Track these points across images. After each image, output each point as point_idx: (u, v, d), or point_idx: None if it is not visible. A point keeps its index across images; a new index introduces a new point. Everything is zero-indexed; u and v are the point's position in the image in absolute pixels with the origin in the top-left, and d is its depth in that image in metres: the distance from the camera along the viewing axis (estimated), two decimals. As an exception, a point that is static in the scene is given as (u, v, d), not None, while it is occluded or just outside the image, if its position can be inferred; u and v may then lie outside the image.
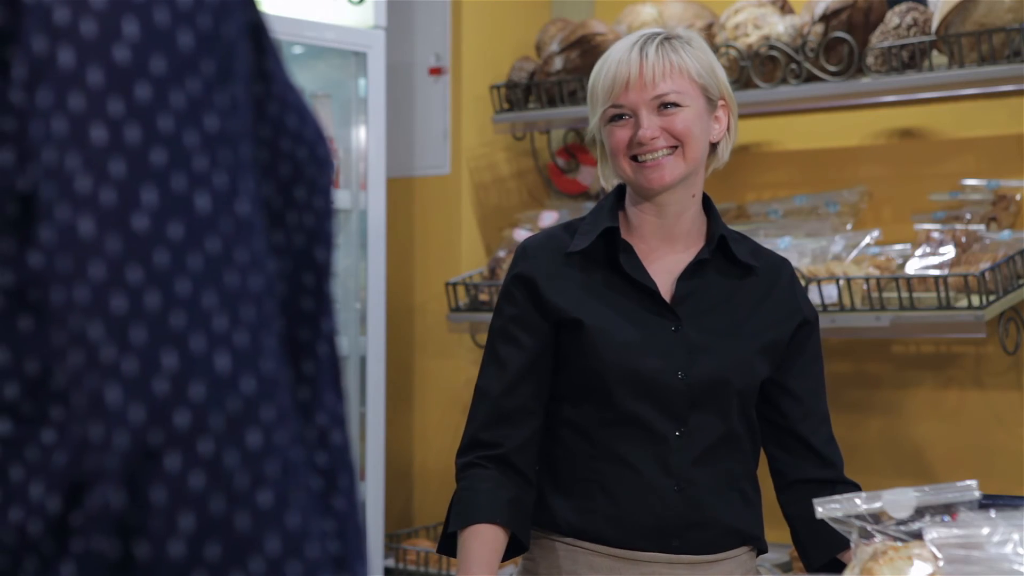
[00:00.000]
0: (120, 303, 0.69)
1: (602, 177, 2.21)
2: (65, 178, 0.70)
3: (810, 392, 2.16)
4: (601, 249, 2.12)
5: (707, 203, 2.18)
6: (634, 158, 2.09)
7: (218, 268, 0.71)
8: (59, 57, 0.70)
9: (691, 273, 2.12)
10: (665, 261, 2.13)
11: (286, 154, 0.83)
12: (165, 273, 0.70)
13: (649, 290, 2.09)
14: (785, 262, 2.24)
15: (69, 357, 0.69)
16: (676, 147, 2.08)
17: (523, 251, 2.17)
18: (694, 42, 2.13)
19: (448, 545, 2.12)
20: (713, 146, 2.16)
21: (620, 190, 2.19)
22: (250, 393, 0.71)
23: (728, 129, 2.17)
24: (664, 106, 2.07)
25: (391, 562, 3.78)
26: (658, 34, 2.11)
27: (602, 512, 2.06)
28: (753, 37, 3.51)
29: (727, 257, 2.14)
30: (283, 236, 0.83)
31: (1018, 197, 3.43)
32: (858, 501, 1.70)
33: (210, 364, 0.70)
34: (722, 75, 2.15)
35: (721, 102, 2.14)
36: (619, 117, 2.09)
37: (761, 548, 2.17)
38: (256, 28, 0.81)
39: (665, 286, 2.11)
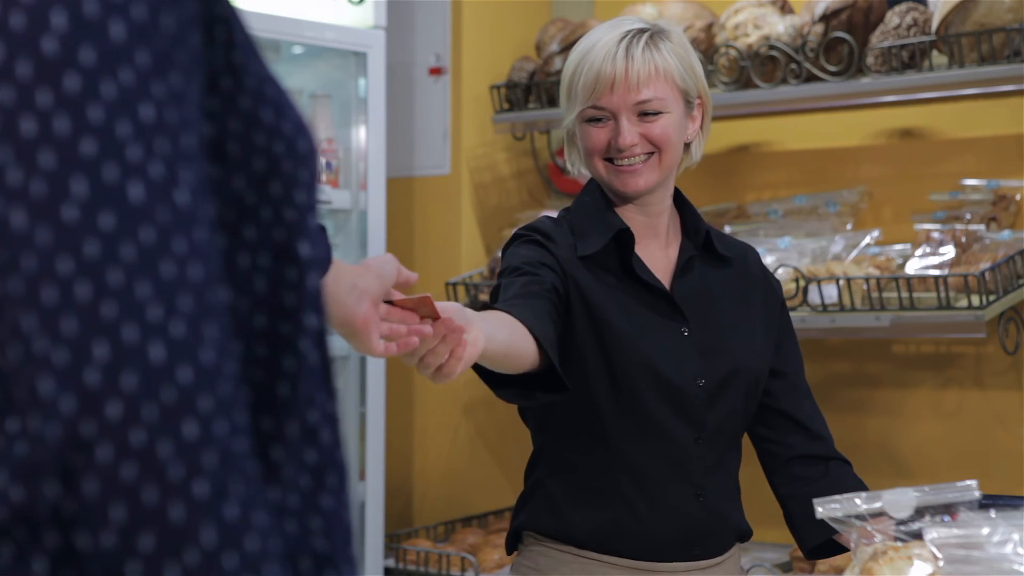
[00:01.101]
0: (51, 294, 0.69)
1: (569, 163, 2.15)
2: None
3: (791, 367, 2.15)
4: (612, 252, 2.06)
5: (680, 198, 2.16)
6: (609, 160, 2.05)
7: (153, 258, 0.71)
8: None
9: (683, 271, 2.09)
10: (654, 260, 2.10)
11: (260, 148, 0.83)
12: (96, 264, 0.70)
13: (659, 292, 2.06)
14: (750, 248, 2.22)
15: (8, 349, 0.70)
16: (652, 153, 2.04)
17: (540, 232, 2.06)
18: (674, 36, 2.07)
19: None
20: (686, 145, 2.12)
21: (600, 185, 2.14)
22: (186, 383, 0.71)
23: (701, 128, 2.12)
24: (645, 113, 2.03)
25: (391, 562, 3.77)
26: (644, 30, 2.05)
27: (622, 524, 2.01)
28: (753, 37, 3.51)
29: (708, 251, 2.12)
30: (256, 230, 0.83)
31: (1018, 197, 3.43)
32: (858, 501, 1.70)
33: (143, 354, 0.70)
34: (700, 72, 2.10)
35: (697, 101, 2.10)
36: (597, 119, 2.04)
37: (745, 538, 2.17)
38: (220, 20, 0.81)
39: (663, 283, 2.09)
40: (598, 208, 2.09)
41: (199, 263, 0.73)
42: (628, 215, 2.09)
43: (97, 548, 0.69)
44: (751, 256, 2.19)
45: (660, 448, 2.02)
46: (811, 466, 2.11)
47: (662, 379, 2.00)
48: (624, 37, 2.04)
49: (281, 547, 0.76)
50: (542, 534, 2.07)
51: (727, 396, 2.05)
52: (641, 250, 2.08)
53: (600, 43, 2.04)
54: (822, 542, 2.06)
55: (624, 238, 2.06)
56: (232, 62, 0.81)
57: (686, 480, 2.02)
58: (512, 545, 2.14)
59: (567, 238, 2.06)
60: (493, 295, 2.02)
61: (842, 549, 2.05)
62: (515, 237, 2.09)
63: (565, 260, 2.02)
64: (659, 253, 2.11)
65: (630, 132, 2.02)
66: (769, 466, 2.15)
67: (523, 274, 1.98)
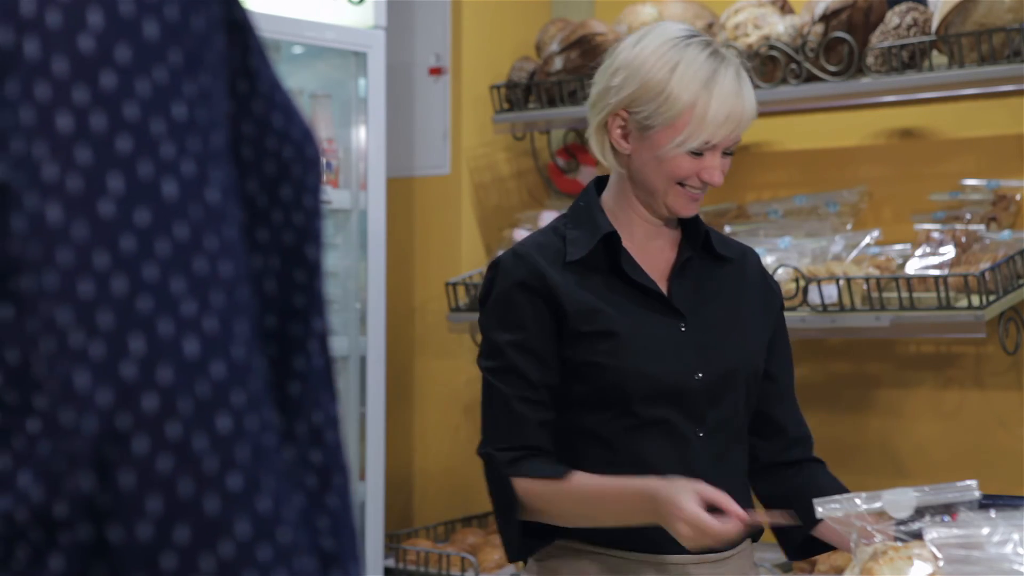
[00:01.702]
0: (87, 288, 0.70)
1: (600, 154, 2.14)
2: (33, 166, 0.70)
3: (780, 370, 2.18)
4: (601, 254, 2.08)
5: None
6: (680, 184, 2.07)
7: (187, 254, 0.72)
8: (25, 48, 0.71)
9: (680, 271, 2.11)
10: (652, 259, 2.12)
11: (271, 152, 0.84)
12: (132, 258, 0.70)
13: (653, 292, 2.08)
14: (750, 250, 2.25)
15: (41, 343, 0.70)
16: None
17: (518, 258, 2.08)
18: (743, 64, 2.11)
19: (521, 544, 2.08)
20: None
21: (598, 184, 2.17)
22: (220, 378, 0.71)
23: None
24: (728, 152, 2.07)
25: (391, 562, 3.77)
26: (737, 64, 2.07)
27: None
28: (753, 37, 3.51)
29: (708, 252, 2.15)
30: (268, 233, 0.84)
31: (1018, 197, 3.43)
32: (858, 501, 1.70)
33: (178, 348, 0.70)
34: None
35: None
36: (699, 152, 2.04)
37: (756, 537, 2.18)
38: (238, 25, 0.82)
39: (660, 284, 2.10)
40: (590, 213, 2.11)
41: (229, 260, 0.74)
42: (633, 217, 2.12)
43: (132, 540, 0.70)
44: (751, 258, 2.22)
45: (663, 443, 2.04)
46: (788, 468, 2.16)
47: (657, 374, 2.02)
48: (739, 75, 2.05)
49: (309, 541, 0.77)
50: (559, 534, 2.08)
51: (727, 392, 2.07)
52: (640, 251, 2.11)
53: (724, 79, 2.03)
54: (802, 541, 2.08)
55: (611, 241, 2.08)
56: (248, 66, 0.82)
57: (690, 474, 2.02)
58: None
59: (553, 251, 2.07)
60: (487, 368, 2.07)
61: (824, 547, 2.07)
62: (491, 278, 2.10)
63: (548, 278, 2.04)
64: (659, 254, 2.13)
65: (720, 170, 2.06)
66: (751, 468, 2.18)
67: (506, 372, 2.03)
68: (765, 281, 2.21)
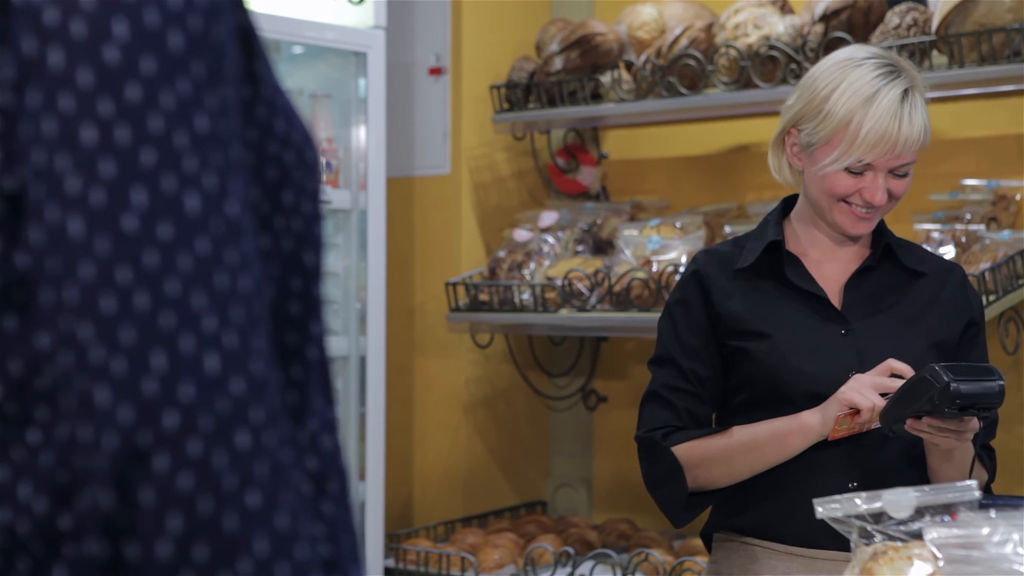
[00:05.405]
0: (109, 304, 0.69)
1: (776, 171, 2.22)
2: (55, 178, 0.69)
3: None
4: (768, 262, 2.16)
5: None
6: (845, 201, 2.11)
7: (208, 269, 0.71)
8: (49, 58, 0.70)
9: (858, 280, 2.17)
10: (835, 268, 2.18)
11: (273, 158, 0.83)
12: (155, 274, 0.70)
13: (818, 297, 2.14)
14: (956, 266, 2.27)
15: (58, 358, 0.69)
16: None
17: (694, 261, 2.23)
18: (922, 86, 2.12)
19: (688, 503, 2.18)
20: None
21: (787, 202, 2.24)
22: (239, 394, 0.71)
23: None
24: (897, 174, 2.09)
25: (391, 562, 3.78)
26: (913, 86, 2.08)
27: (781, 511, 2.11)
28: (753, 37, 3.51)
29: (894, 263, 2.19)
30: (270, 240, 0.83)
31: (1018, 197, 3.43)
32: (858, 501, 1.70)
33: (199, 365, 0.70)
34: None
35: None
36: (857, 171, 2.08)
37: None
38: (245, 31, 0.81)
39: (834, 292, 2.16)
40: (766, 224, 2.21)
41: (248, 274, 0.73)
42: (815, 231, 2.19)
43: (151, 558, 0.69)
44: (954, 273, 2.24)
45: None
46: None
47: (809, 375, 2.09)
48: (905, 97, 2.06)
49: (322, 556, 0.77)
50: (719, 527, 2.22)
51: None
52: (821, 262, 2.18)
53: (884, 99, 2.06)
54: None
55: (777, 248, 2.16)
56: (252, 72, 0.81)
57: (839, 471, 2.10)
58: (708, 545, 2.31)
59: (728, 259, 2.18)
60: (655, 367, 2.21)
61: None
62: (675, 290, 2.24)
63: (714, 283, 2.16)
64: (842, 265, 2.19)
65: (883, 191, 2.08)
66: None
67: (660, 363, 2.19)
68: (962, 297, 2.22)
